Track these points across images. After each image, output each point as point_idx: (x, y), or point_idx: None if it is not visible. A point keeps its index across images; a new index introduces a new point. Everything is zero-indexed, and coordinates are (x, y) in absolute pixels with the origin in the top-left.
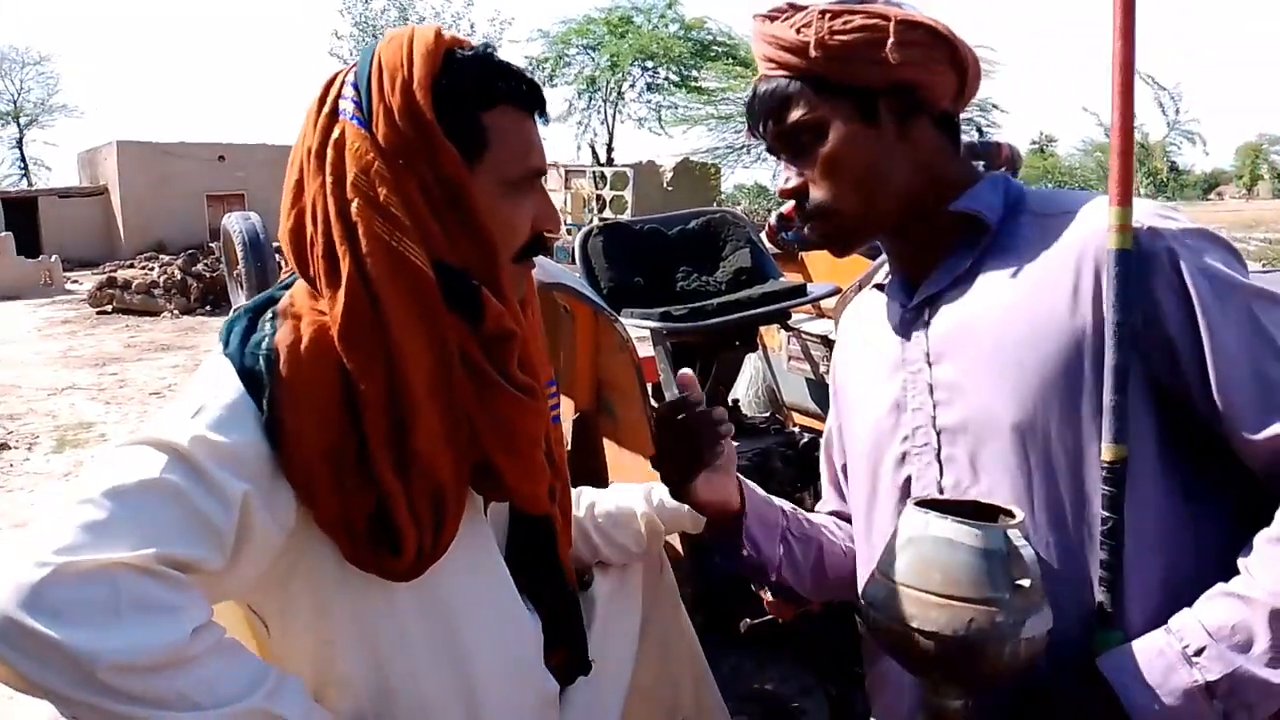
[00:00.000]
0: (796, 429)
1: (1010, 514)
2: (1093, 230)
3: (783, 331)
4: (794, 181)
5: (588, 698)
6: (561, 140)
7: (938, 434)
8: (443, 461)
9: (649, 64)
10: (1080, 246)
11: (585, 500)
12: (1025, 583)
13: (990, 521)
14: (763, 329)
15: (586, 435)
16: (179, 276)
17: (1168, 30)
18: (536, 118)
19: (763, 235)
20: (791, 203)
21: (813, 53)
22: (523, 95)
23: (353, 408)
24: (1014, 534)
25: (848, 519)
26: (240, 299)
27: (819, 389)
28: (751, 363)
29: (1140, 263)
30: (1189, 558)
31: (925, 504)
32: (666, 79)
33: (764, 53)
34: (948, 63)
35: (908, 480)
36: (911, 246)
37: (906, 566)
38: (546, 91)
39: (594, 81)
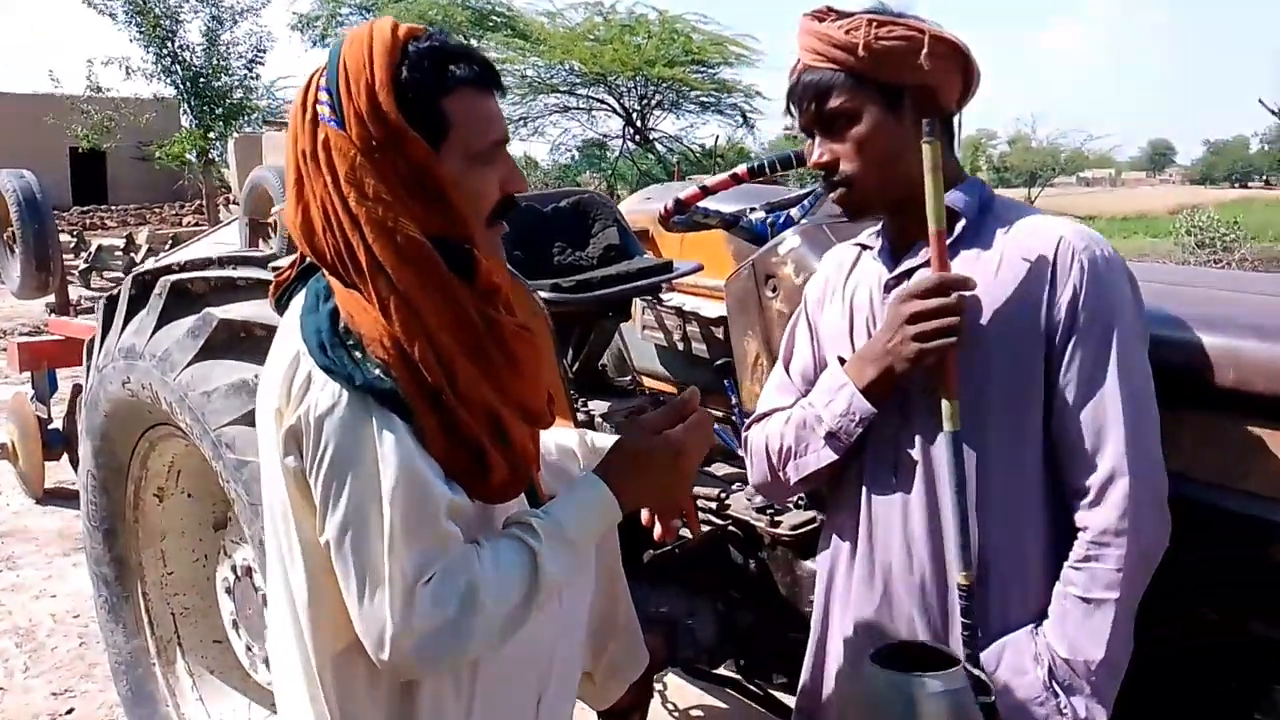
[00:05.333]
0: (647, 392)
1: (952, 657)
2: (1043, 245)
3: (638, 302)
4: (827, 157)
5: (562, 618)
6: None
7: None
8: (485, 393)
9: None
10: (1033, 256)
11: None
12: (990, 698)
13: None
14: None
15: None
16: None
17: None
18: (495, 91)
19: (623, 212)
20: (692, 189)
21: (860, 52)
22: (477, 76)
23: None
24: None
25: None
26: (13, 265)
27: (669, 355)
28: None
29: (1067, 260)
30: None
31: (877, 659)
32: None
33: (812, 46)
34: (960, 72)
35: None
36: (904, 223)
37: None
38: (319, 53)
39: None
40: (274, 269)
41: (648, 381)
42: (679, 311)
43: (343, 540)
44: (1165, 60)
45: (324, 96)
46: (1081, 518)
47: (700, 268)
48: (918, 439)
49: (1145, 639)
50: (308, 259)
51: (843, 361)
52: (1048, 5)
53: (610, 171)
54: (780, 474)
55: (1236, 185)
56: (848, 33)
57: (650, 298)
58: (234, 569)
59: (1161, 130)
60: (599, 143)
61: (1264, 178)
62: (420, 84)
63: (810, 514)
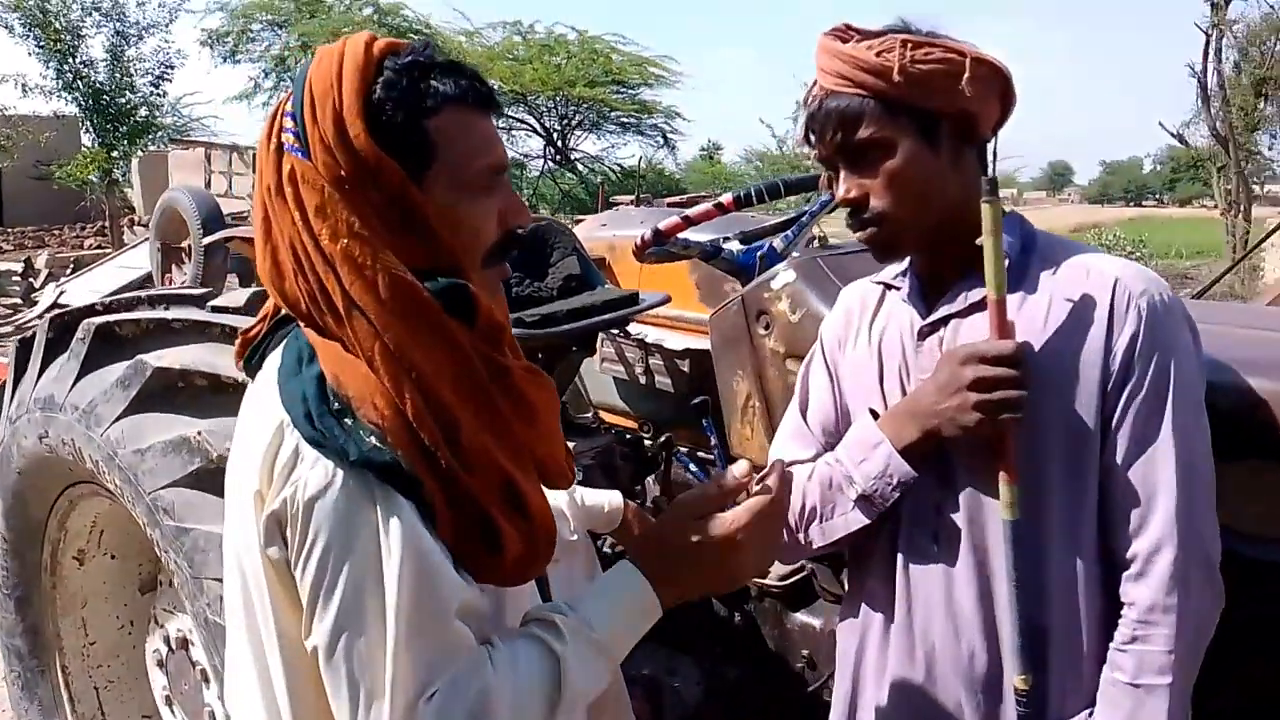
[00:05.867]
0: (611, 430)
1: None
2: (1097, 287)
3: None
4: (855, 192)
5: None
6: (245, 121)
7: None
8: (493, 452)
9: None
10: (1086, 301)
11: None
12: None
13: None
14: None
15: None
16: None
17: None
18: (489, 111)
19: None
20: (673, 219)
21: (895, 77)
22: (467, 93)
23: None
24: None
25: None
26: None
27: (630, 389)
28: None
29: (1124, 305)
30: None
31: None
32: None
33: (837, 70)
34: (999, 96)
35: None
36: (937, 262)
37: None
38: (229, 69)
39: (283, 61)
40: (213, 308)
41: (607, 417)
42: (641, 343)
43: (334, 647)
44: (1064, 84)
45: (289, 123)
46: (1127, 591)
47: (668, 299)
48: (962, 504)
49: (1200, 717)
50: (281, 311)
51: (875, 415)
52: (951, 30)
53: (531, 191)
54: (801, 536)
55: (1131, 204)
56: (879, 55)
57: (614, 329)
58: (167, 640)
59: (1060, 152)
60: (519, 163)
61: (1157, 196)
62: (397, 104)
63: (798, 563)
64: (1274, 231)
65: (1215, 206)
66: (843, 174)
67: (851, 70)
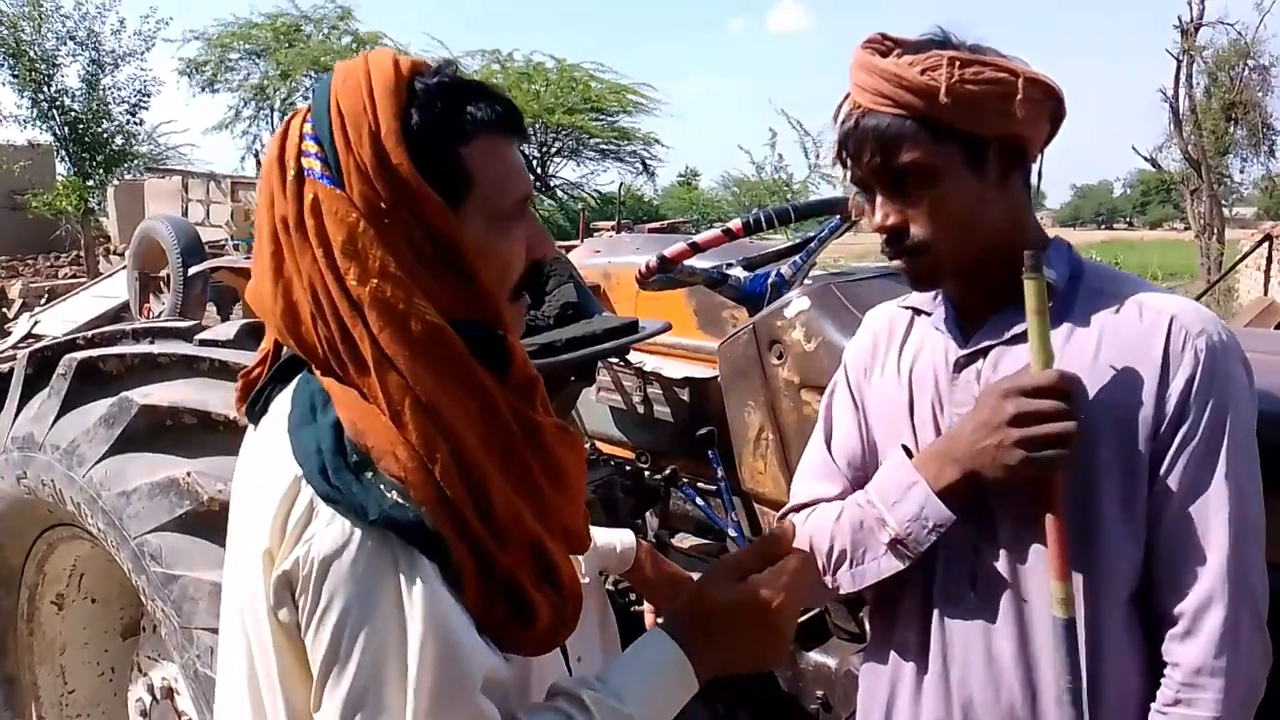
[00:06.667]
0: (612, 461)
1: None
2: (1151, 325)
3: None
4: (894, 219)
5: None
6: (222, 150)
7: None
8: (524, 517)
9: (323, 74)
10: (1140, 339)
11: None
12: None
13: None
14: None
15: None
16: None
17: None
18: (518, 137)
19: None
20: (679, 245)
21: (942, 99)
22: (499, 118)
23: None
24: None
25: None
26: None
27: (627, 418)
28: None
29: (1180, 345)
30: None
31: None
32: None
33: (876, 87)
34: (1049, 117)
35: None
36: (976, 291)
37: None
38: (207, 99)
39: (263, 90)
40: (201, 342)
41: (604, 447)
42: (640, 372)
43: None
44: None
45: (311, 147)
46: (1171, 650)
47: (669, 327)
48: (1002, 546)
49: None
50: (284, 351)
51: (909, 453)
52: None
53: None
54: (829, 580)
55: (1103, 227)
56: (924, 73)
57: (614, 358)
58: (151, 689)
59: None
60: None
61: (1127, 219)
62: (434, 130)
63: None
64: (1249, 253)
65: (1187, 229)
66: (879, 199)
67: (893, 89)
